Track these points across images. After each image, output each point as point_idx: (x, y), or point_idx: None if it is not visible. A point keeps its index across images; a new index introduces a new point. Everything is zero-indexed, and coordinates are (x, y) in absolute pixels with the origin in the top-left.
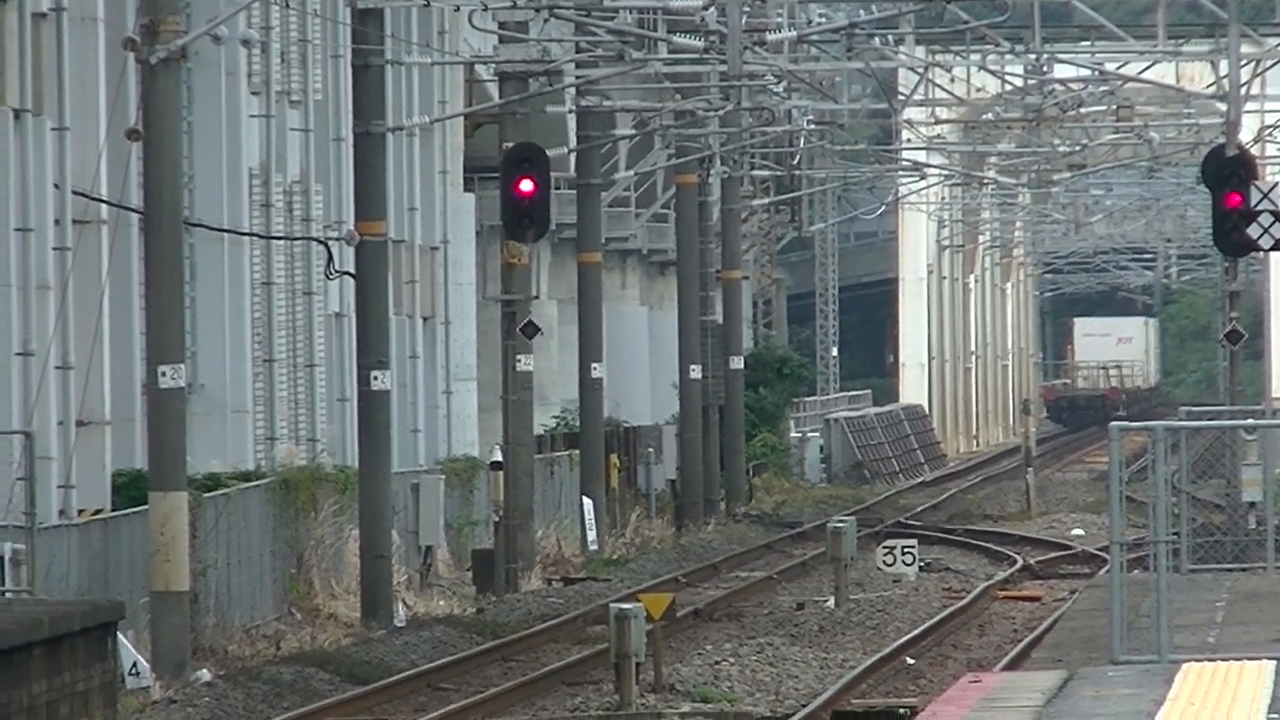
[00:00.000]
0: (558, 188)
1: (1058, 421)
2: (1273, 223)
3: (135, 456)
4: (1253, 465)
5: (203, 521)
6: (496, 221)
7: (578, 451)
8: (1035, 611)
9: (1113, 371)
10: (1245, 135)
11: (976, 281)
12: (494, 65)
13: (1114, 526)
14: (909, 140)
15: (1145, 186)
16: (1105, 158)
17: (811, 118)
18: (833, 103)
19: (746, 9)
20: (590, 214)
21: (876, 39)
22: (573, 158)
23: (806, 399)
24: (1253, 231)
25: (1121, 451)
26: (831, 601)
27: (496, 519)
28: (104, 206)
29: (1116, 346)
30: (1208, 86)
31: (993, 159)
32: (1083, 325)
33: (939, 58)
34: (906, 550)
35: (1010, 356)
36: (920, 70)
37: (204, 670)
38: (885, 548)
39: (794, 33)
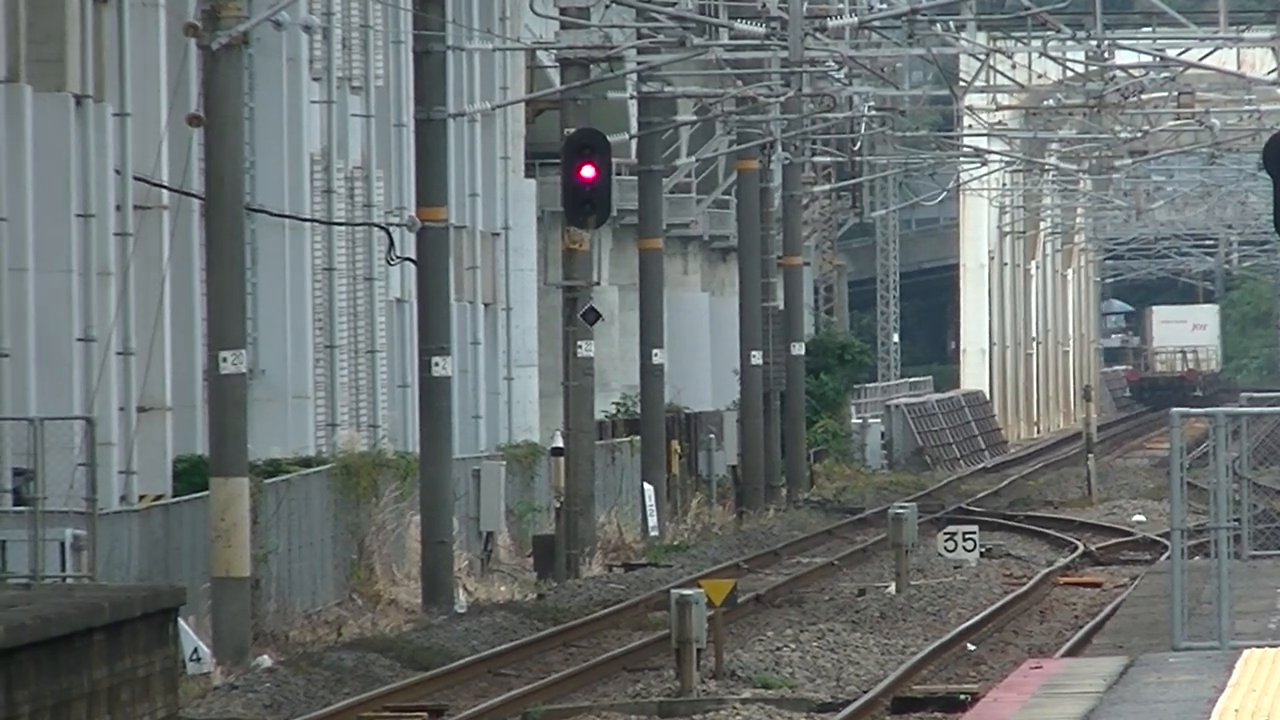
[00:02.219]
0: (619, 174)
1: (1140, 401)
2: None
3: (196, 442)
4: None
5: (264, 507)
6: (558, 207)
7: (639, 437)
8: (1096, 598)
9: (1189, 355)
10: None
11: (1038, 268)
12: (555, 51)
13: (1175, 513)
14: (970, 126)
15: (1206, 173)
16: (1166, 144)
17: (873, 104)
18: (894, 89)
19: None
20: (651, 200)
21: (938, 25)
22: (634, 144)
23: (868, 385)
24: None
25: (1182, 438)
26: (893, 587)
27: (557, 505)
28: (165, 192)
29: (1191, 332)
30: (1269, 72)
31: (1054, 145)
32: (1160, 313)
33: (1000, 44)
34: (968, 536)
35: (1071, 343)
36: (981, 56)
37: (265, 656)
38: (946, 534)
39: (855, 19)
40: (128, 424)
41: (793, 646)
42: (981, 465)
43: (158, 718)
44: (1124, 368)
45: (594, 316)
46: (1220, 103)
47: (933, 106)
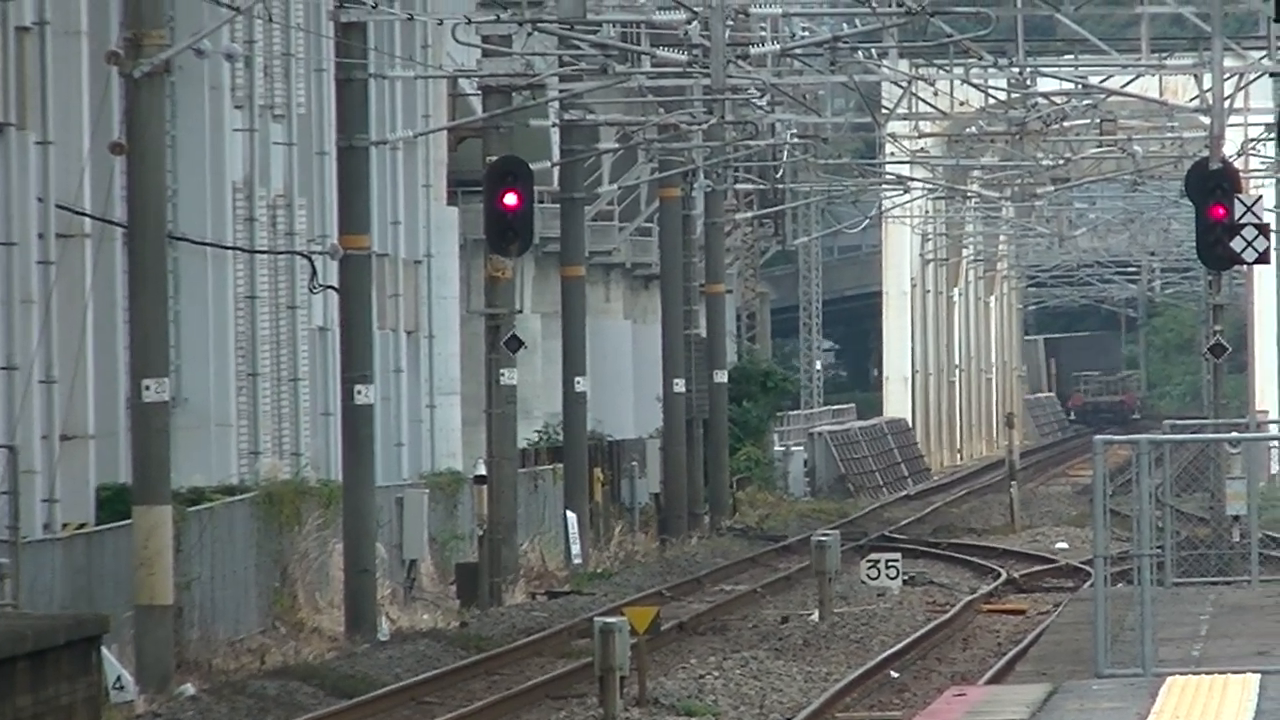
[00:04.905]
0: (541, 201)
1: (1084, 423)
2: (1256, 236)
3: (119, 470)
4: (1236, 479)
5: (187, 535)
6: (480, 235)
7: (561, 465)
8: (1019, 625)
9: (1114, 383)
10: (1229, 148)
11: (960, 295)
12: (477, 79)
13: (1098, 540)
14: (892, 154)
15: (1129, 200)
16: (1089, 171)
17: (795, 131)
18: (816, 116)
19: (730, 23)
20: (574, 228)
21: (860, 53)
22: (556, 171)
23: (790, 413)
24: (1236, 245)
25: (1105, 465)
26: (816, 615)
27: (480, 533)
28: (88, 220)
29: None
30: (1191, 100)
31: (976, 172)
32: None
33: (922, 71)
34: (890, 564)
35: (994, 370)
36: (904, 84)
37: (188, 684)
38: (869, 561)
39: (777, 46)
40: (50, 452)
41: (716, 674)
42: (904, 493)
43: None
44: (1047, 394)
45: (516, 344)
46: (1142, 130)
47: (855, 134)
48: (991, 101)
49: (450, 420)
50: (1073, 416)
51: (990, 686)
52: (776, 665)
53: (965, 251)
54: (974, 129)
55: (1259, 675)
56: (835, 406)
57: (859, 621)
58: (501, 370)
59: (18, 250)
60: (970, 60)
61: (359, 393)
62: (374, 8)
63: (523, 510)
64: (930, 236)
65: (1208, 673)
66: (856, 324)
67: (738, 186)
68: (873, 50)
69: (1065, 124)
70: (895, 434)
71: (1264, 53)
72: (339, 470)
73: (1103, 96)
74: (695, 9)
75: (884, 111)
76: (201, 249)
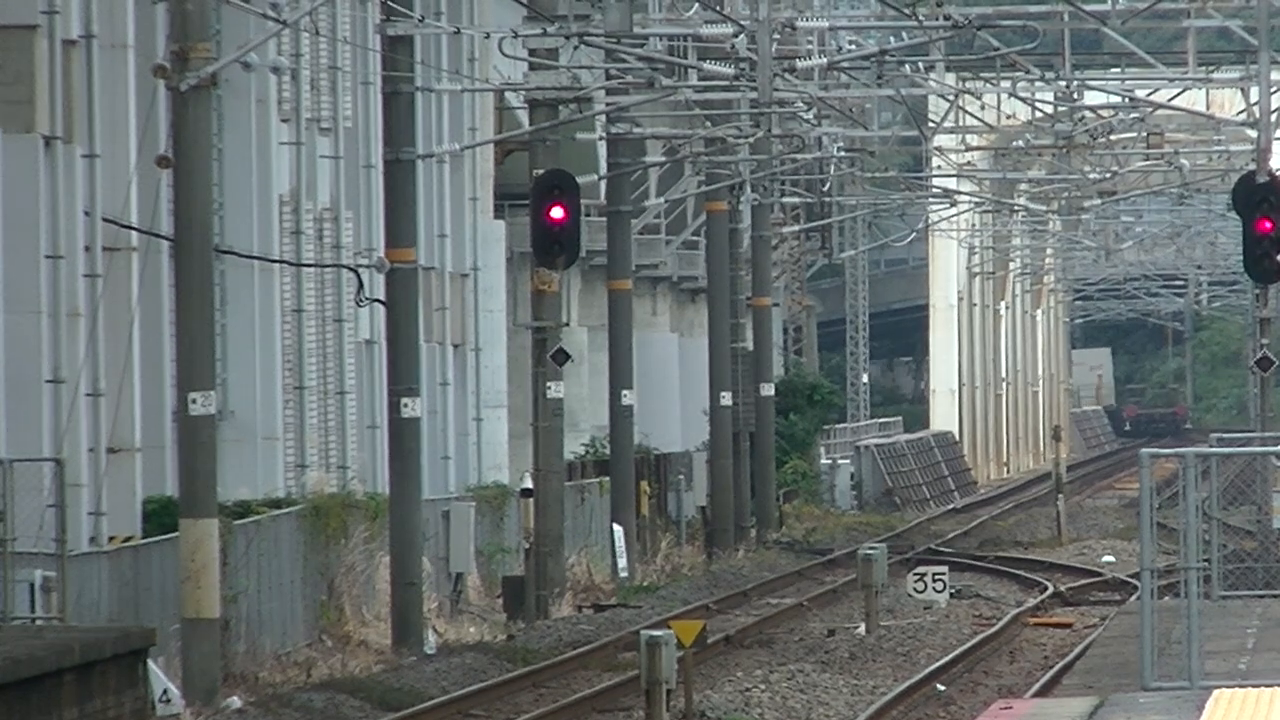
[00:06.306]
0: (588, 215)
1: (1137, 434)
2: None
3: (166, 483)
4: None
5: (233, 548)
6: (527, 248)
7: (608, 478)
8: (1066, 638)
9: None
10: (1276, 161)
11: (1007, 308)
12: (524, 92)
13: (1145, 553)
14: (939, 167)
15: (1176, 213)
16: (1136, 184)
17: (842, 144)
18: (863, 129)
19: (777, 36)
20: (621, 241)
21: (907, 66)
22: (603, 185)
23: (837, 426)
24: None
25: (1152, 478)
26: (862, 628)
27: (527, 546)
28: (134, 233)
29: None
30: (1238, 113)
31: (1023, 186)
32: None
33: (969, 85)
34: (937, 577)
35: (1041, 383)
36: (950, 97)
37: (235, 697)
38: (916, 574)
39: (824, 60)
40: (97, 465)
41: (762, 687)
42: (951, 506)
43: None
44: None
45: (563, 357)
46: (1189, 143)
47: (902, 147)
48: (1038, 115)
49: (497, 433)
50: (1127, 427)
51: (1037, 700)
52: (823, 678)
53: (1012, 265)
54: (1021, 142)
55: None
56: (882, 420)
57: (905, 635)
58: (548, 383)
59: (64, 263)
60: (1017, 74)
61: (405, 406)
62: (421, 21)
63: (569, 523)
64: (977, 250)
65: (1255, 686)
66: (903, 337)
67: (784, 200)
68: (919, 64)
69: (1112, 137)
70: (942, 447)
71: None
72: (385, 483)
73: (1149, 110)
74: (742, 23)
75: (931, 125)
76: (248, 262)
